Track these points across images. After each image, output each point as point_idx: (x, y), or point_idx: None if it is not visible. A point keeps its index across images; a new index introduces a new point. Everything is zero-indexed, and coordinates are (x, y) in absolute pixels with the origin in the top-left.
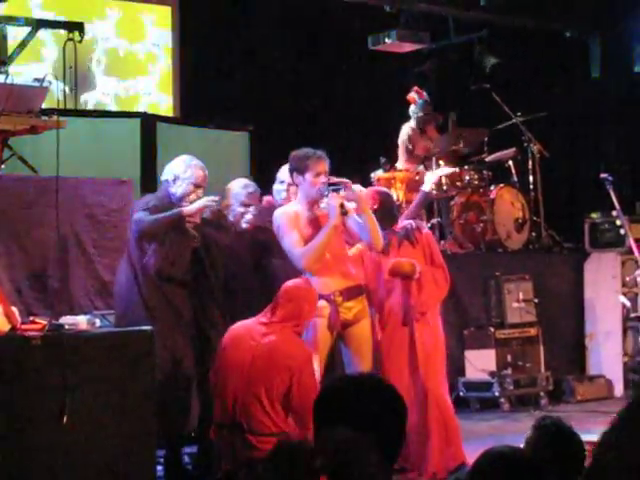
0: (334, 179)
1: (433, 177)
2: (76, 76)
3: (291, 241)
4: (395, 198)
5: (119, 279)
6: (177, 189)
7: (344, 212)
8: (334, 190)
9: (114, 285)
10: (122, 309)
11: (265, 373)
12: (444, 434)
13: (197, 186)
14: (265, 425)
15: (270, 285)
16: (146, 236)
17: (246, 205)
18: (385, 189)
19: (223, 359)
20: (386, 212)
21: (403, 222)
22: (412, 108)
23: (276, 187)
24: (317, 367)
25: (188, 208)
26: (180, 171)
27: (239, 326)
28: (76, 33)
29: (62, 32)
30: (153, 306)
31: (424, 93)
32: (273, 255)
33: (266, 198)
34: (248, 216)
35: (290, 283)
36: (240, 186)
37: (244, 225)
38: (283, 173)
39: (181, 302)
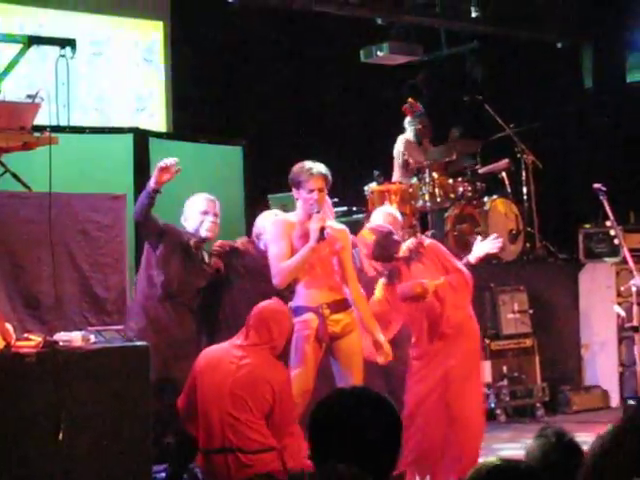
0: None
1: (481, 251)
2: (68, 92)
3: (275, 252)
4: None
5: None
6: (188, 228)
7: (322, 237)
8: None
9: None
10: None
11: (248, 396)
12: (459, 452)
13: (205, 213)
14: (256, 441)
15: None
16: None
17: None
18: (375, 225)
19: (201, 384)
20: (380, 249)
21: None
22: (408, 119)
23: None
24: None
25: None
26: (185, 210)
27: (214, 350)
28: (68, 49)
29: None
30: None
31: (419, 105)
32: None
33: None
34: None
35: (260, 305)
36: (272, 216)
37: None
38: (377, 217)
39: (183, 322)
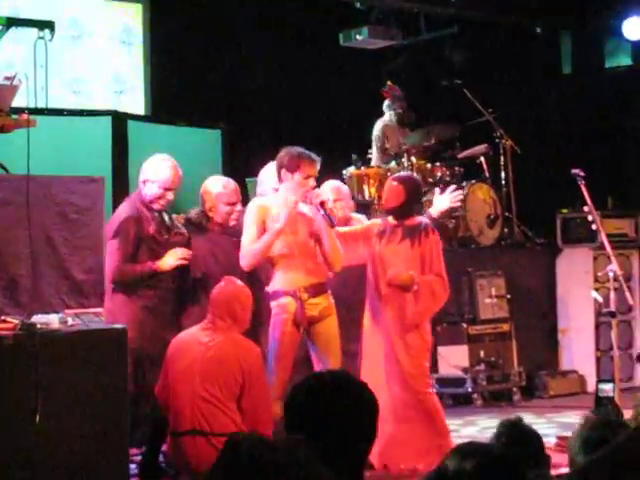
0: (325, 212)
1: (442, 205)
2: (47, 74)
3: (246, 236)
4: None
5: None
6: (147, 191)
7: (325, 213)
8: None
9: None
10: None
11: (217, 375)
12: (428, 434)
13: (167, 189)
14: (225, 425)
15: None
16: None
17: (231, 204)
18: (408, 174)
19: (172, 369)
20: (413, 201)
21: (419, 218)
22: (387, 103)
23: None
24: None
25: (163, 264)
26: (150, 173)
27: (183, 335)
28: (47, 31)
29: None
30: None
31: (397, 88)
32: None
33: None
34: (235, 214)
35: (217, 289)
36: (220, 185)
37: (232, 223)
38: (325, 191)
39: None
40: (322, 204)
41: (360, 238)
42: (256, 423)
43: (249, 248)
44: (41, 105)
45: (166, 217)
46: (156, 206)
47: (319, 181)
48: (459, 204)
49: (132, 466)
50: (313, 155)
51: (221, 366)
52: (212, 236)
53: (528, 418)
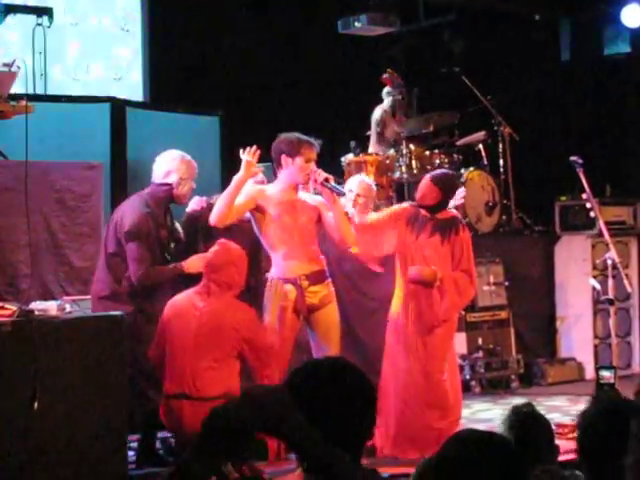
0: (332, 185)
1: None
2: (45, 61)
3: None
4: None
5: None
6: (182, 189)
7: (333, 190)
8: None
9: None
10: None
11: (213, 340)
12: (437, 419)
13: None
14: (215, 388)
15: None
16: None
17: None
18: (444, 172)
19: (167, 332)
20: (448, 198)
21: (451, 212)
22: (387, 90)
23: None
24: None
25: (189, 266)
26: (183, 171)
27: (179, 299)
28: (45, 18)
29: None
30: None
31: (397, 76)
32: None
33: None
34: None
35: (212, 252)
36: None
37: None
38: (352, 183)
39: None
40: (327, 180)
41: (389, 227)
42: (265, 365)
43: (216, 204)
44: (39, 92)
45: (168, 218)
46: (185, 202)
47: (318, 167)
48: (462, 201)
49: (130, 453)
50: (311, 139)
51: (216, 332)
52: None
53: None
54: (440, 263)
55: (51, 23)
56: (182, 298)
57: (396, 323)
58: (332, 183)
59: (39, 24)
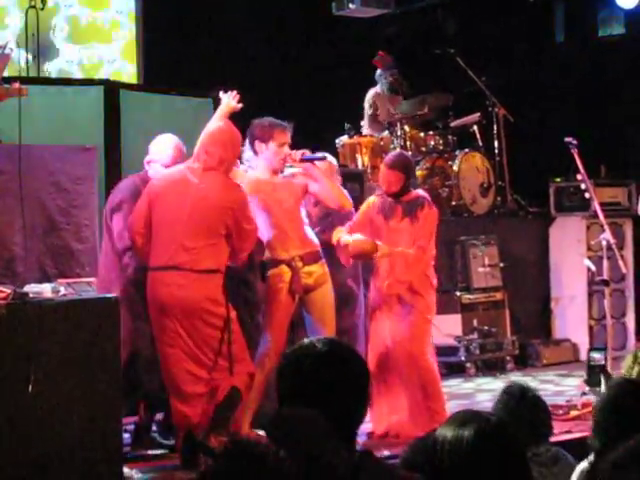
0: (310, 156)
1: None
2: (38, 43)
3: None
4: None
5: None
6: (152, 173)
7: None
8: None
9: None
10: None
11: (208, 216)
12: (421, 400)
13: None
14: (208, 261)
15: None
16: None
17: None
18: (396, 154)
19: (157, 205)
20: (410, 179)
21: (416, 192)
22: (379, 72)
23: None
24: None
25: None
26: (153, 153)
27: (169, 174)
28: (38, 0)
29: None
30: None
31: (389, 57)
32: None
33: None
34: None
35: (211, 128)
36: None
37: None
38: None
39: None
40: (303, 155)
41: (367, 227)
42: (241, 251)
43: None
44: (32, 74)
45: None
46: None
47: (313, 149)
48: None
49: (125, 435)
50: (284, 123)
51: (212, 209)
52: None
53: None
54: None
55: (44, 5)
56: (173, 173)
57: (372, 307)
58: (308, 155)
59: (32, 6)
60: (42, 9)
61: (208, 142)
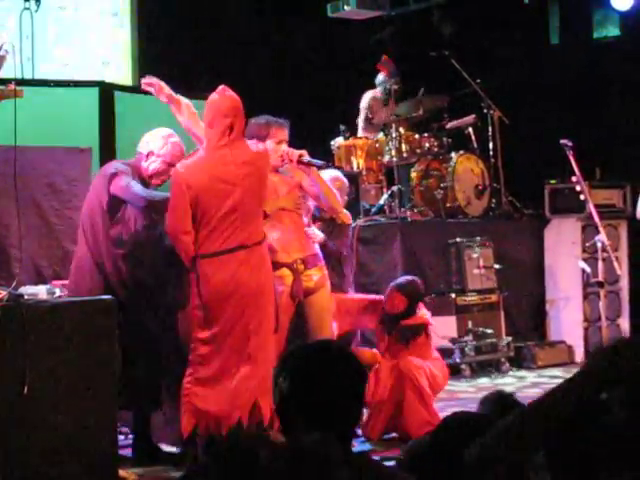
0: (309, 159)
1: None
2: (33, 45)
3: None
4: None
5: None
6: (149, 165)
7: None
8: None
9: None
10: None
11: (255, 187)
12: (418, 400)
13: (171, 165)
14: (260, 233)
15: None
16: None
17: None
18: (414, 280)
19: (203, 196)
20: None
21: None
22: (382, 78)
23: None
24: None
25: None
26: (156, 147)
27: (199, 161)
28: (32, 2)
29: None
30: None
31: (393, 64)
32: None
33: None
34: None
35: (225, 97)
36: None
37: None
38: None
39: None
40: (301, 156)
41: None
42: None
43: None
44: (27, 76)
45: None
46: (155, 181)
47: (308, 151)
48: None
49: (121, 437)
50: (280, 120)
51: (256, 178)
52: None
53: (516, 388)
54: None
55: (38, 7)
56: (201, 160)
57: None
58: (307, 157)
59: (26, 8)
60: (36, 11)
61: (235, 112)
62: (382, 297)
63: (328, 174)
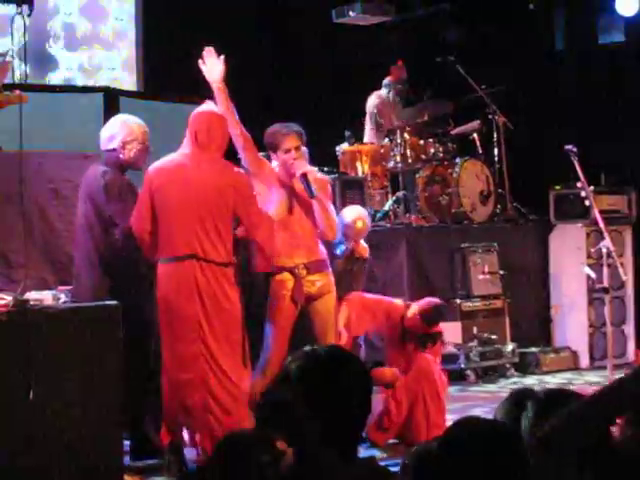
0: (307, 183)
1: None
2: (25, 50)
3: None
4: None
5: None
6: (129, 152)
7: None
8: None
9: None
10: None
11: (215, 202)
12: (430, 406)
13: (144, 142)
14: (217, 254)
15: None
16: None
17: None
18: (436, 306)
19: (162, 196)
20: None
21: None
22: (391, 81)
23: None
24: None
25: None
26: (124, 134)
27: (167, 163)
28: (25, 7)
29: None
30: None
31: (404, 71)
32: None
33: None
34: None
35: (200, 111)
36: None
37: None
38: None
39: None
40: (304, 175)
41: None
42: (255, 226)
43: None
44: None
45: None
46: (139, 163)
47: (313, 156)
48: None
49: (126, 442)
50: (287, 128)
51: (217, 193)
52: None
53: None
54: None
55: (31, 12)
56: (171, 163)
57: None
58: (307, 182)
59: (19, 13)
60: (29, 15)
61: (201, 124)
62: (397, 303)
63: (355, 211)
